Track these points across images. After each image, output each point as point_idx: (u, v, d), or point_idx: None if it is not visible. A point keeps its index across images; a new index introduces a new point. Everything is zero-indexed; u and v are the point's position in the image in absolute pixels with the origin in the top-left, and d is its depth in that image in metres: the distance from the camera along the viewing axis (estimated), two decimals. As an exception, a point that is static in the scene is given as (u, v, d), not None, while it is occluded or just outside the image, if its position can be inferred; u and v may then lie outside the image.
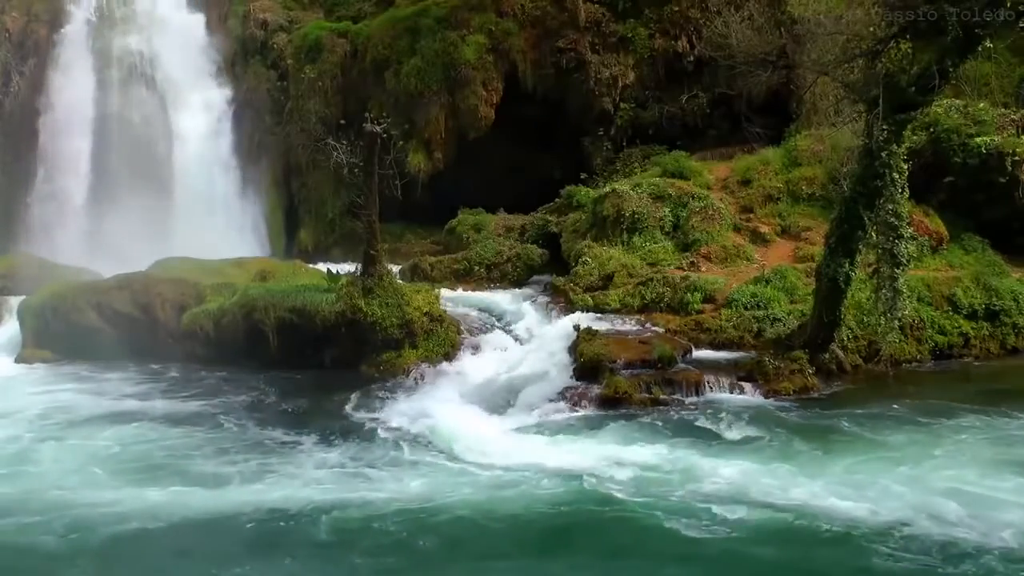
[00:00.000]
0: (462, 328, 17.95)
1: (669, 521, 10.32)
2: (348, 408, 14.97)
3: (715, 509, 10.56)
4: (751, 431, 13.27)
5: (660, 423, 13.79)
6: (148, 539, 10.18)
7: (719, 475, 11.56)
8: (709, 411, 14.13)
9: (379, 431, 13.74)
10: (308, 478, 11.82)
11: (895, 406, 14.15)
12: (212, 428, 14.08)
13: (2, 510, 10.83)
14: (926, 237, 18.84)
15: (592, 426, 13.72)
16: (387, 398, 15.26)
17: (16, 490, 11.52)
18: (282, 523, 10.46)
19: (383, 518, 10.52)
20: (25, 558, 9.81)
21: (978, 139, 19.52)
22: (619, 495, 11.09)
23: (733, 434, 13.21)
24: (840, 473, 11.53)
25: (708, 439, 13.04)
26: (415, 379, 16.31)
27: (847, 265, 14.94)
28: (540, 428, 13.78)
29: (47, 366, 18.29)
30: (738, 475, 11.54)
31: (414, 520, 10.47)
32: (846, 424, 13.44)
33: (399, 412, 14.54)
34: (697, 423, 13.72)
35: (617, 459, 12.15)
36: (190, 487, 11.54)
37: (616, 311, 17.99)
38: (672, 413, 14.23)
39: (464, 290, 20.99)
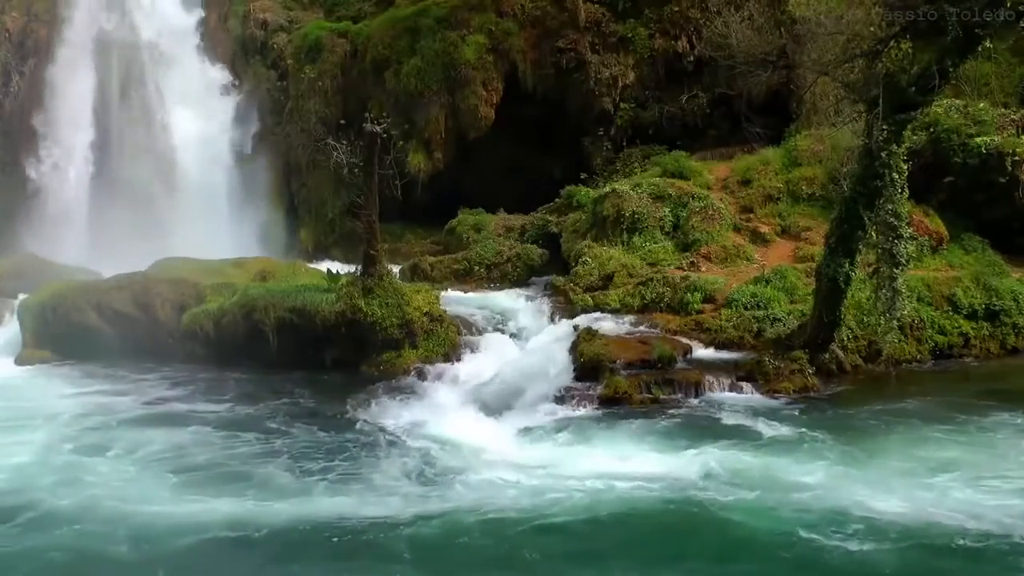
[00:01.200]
0: (462, 328, 17.95)
1: (759, 524, 10.09)
2: (361, 413, 14.84)
3: (798, 511, 10.34)
4: (780, 430, 13.18)
5: (665, 423, 13.73)
6: (215, 549, 9.98)
7: (778, 477, 11.42)
8: (735, 411, 14.08)
9: (391, 436, 13.60)
10: (355, 489, 11.52)
11: (903, 404, 14.19)
12: (229, 433, 13.85)
13: (67, 520, 10.58)
14: (926, 237, 18.84)
15: (599, 427, 13.62)
16: (389, 400, 15.21)
17: (78, 499, 11.20)
18: (360, 535, 10.16)
19: (451, 528, 10.25)
20: (97, 570, 9.66)
21: (978, 139, 19.52)
22: (685, 496, 10.90)
23: (767, 432, 13.12)
24: (898, 473, 11.49)
25: (744, 439, 12.89)
26: (415, 380, 16.31)
27: (847, 265, 14.94)
28: (545, 429, 13.71)
29: (59, 367, 18.15)
30: (803, 476, 11.40)
31: (480, 530, 10.22)
32: (873, 422, 13.40)
33: (404, 415, 14.50)
34: (722, 423, 13.64)
35: (652, 461, 12.06)
36: (248, 495, 11.31)
37: (616, 311, 17.98)
38: (678, 413, 14.17)
39: (464, 290, 20.98)
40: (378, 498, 11.16)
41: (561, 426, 13.81)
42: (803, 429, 13.20)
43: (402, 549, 9.86)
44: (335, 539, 10.12)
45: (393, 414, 14.56)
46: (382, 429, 13.90)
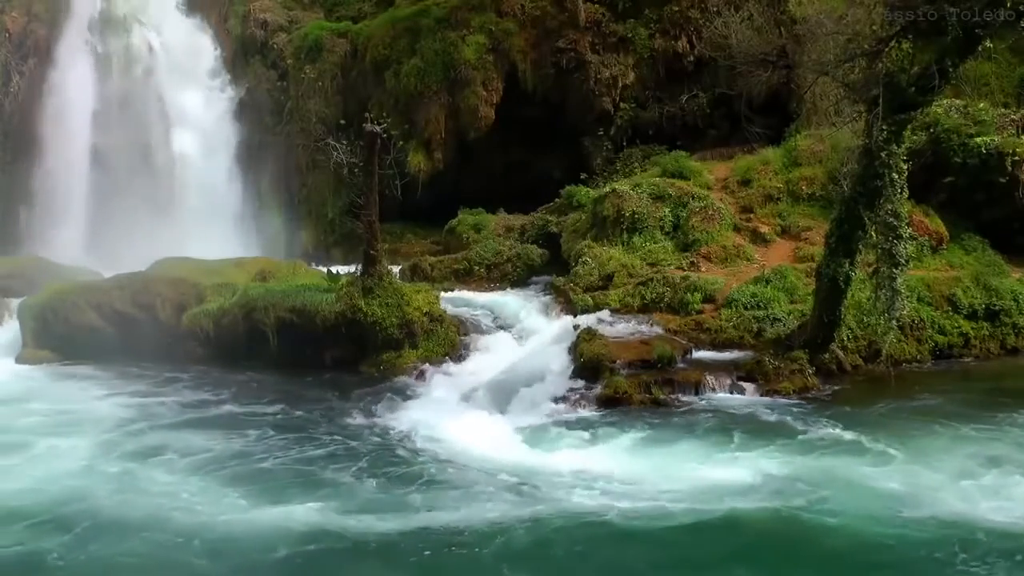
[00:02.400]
0: (462, 328, 17.96)
1: (856, 530, 9.79)
2: (363, 414, 14.76)
3: (888, 516, 10.07)
4: (813, 431, 13.03)
5: (684, 423, 13.67)
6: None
7: (842, 479, 11.25)
8: (746, 411, 13.99)
9: (397, 438, 13.47)
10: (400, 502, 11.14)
11: (916, 403, 14.17)
12: (241, 436, 13.69)
13: (134, 529, 10.26)
14: (926, 237, 18.84)
15: (610, 427, 13.51)
16: (389, 400, 15.18)
17: (142, 508, 10.88)
18: (394, 544, 9.86)
19: (509, 536, 9.87)
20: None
21: (978, 139, 19.51)
22: (760, 503, 10.55)
23: (801, 433, 13.01)
24: (959, 473, 11.40)
25: (780, 439, 12.73)
26: (415, 380, 16.31)
27: (847, 265, 14.94)
28: (549, 430, 13.63)
29: (66, 367, 18.06)
30: (869, 479, 11.24)
31: (534, 536, 9.95)
32: (897, 421, 13.33)
33: (405, 415, 14.43)
34: (745, 424, 13.48)
35: (702, 466, 11.85)
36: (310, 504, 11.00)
37: (616, 311, 17.97)
38: (690, 413, 14.14)
39: (464, 290, 20.99)
40: (404, 506, 10.91)
41: (569, 426, 13.75)
42: (834, 429, 13.05)
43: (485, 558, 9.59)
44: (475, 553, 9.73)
45: (395, 415, 14.53)
46: (386, 430, 13.83)
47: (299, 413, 14.89)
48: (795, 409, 14.12)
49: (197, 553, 9.73)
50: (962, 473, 11.33)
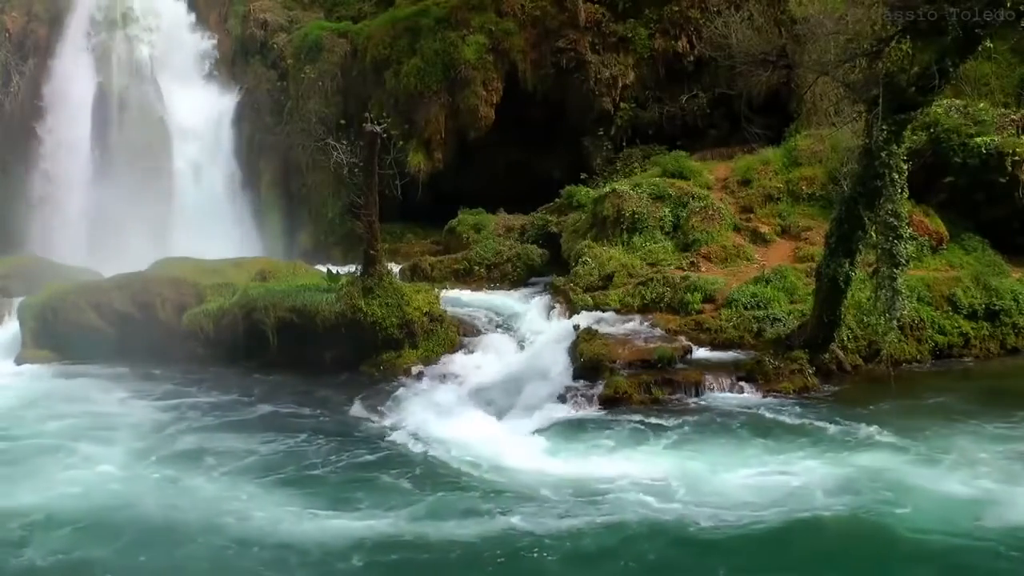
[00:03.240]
0: (462, 328, 17.96)
1: (932, 534, 9.70)
2: (365, 415, 14.81)
3: (964, 523, 9.98)
4: (848, 431, 12.98)
5: (699, 424, 13.65)
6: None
7: (897, 481, 11.20)
8: (758, 411, 14.01)
9: (403, 440, 13.48)
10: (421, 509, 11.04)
11: (927, 401, 14.22)
12: (268, 439, 13.67)
13: (188, 537, 10.14)
14: (926, 237, 18.83)
15: (625, 430, 13.45)
16: (391, 401, 15.21)
17: (192, 514, 10.71)
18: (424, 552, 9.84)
19: (576, 545, 9.85)
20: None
21: (978, 139, 19.50)
22: (823, 508, 10.46)
23: (832, 434, 12.96)
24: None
25: (813, 440, 12.71)
26: (416, 380, 16.31)
27: (847, 265, 14.94)
28: (551, 431, 13.61)
29: (72, 368, 18.04)
30: (926, 481, 11.17)
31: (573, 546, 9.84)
32: (913, 420, 13.32)
33: (407, 416, 14.46)
34: (766, 424, 13.45)
35: (744, 470, 11.77)
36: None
37: (616, 311, 17.96)
38: (686, 413, 14.14)
39: (464, 290, 20.99)
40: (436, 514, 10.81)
41: (579, 427, 13.75)
42: (860, 428, 13.01)
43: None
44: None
45: (396, 415, 14.56)
46: (396, 432, 13.83)
47: (307, 411, 14.93)
48: (804, 409, 14.11)
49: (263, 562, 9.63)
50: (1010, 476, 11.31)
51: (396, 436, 13.65)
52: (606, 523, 10.33)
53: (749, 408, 14.25)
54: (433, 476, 11.93)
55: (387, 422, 14.33)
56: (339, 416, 14.79)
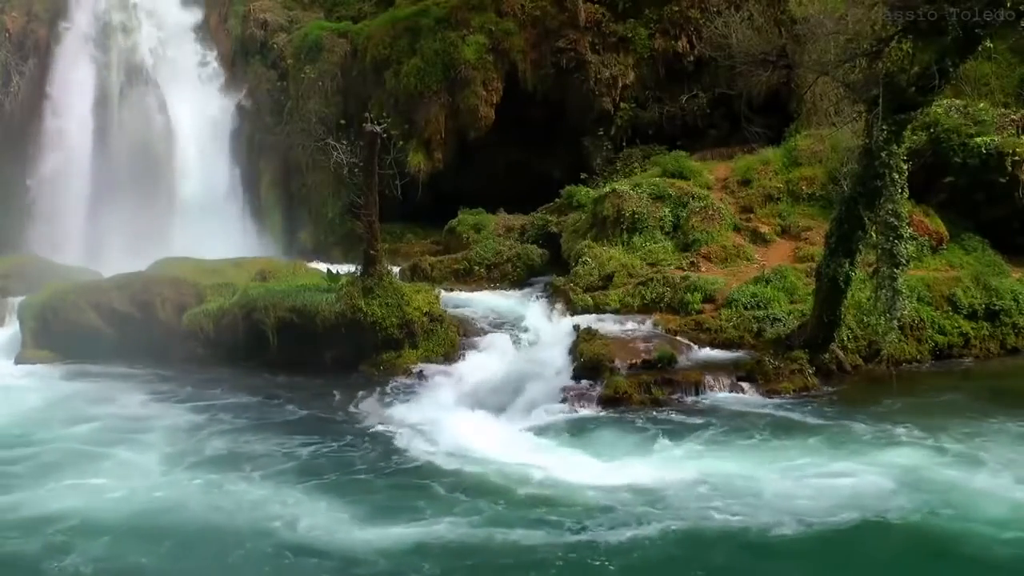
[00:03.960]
0: (462, 328, 17.96)
1: (968, 532, 9.65)
2: (367, 415, 14.76)
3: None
4: (883, 433, 12.94)
5: (700, 425, 13.64)
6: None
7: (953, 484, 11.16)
8: (761, 412, 14.00)
9: (409, 441, 13.42)
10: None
11: (936, 400, 14.25)
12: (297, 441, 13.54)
13: (238, 544, 9.96)
14: (926, 237, 18.83)
15: (644, 433, 13.39)
16: (392, 401, 15.21)
17: (238, 521, 10.55)
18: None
19: (635, 553, 9.65)
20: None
21: (978, 139, 19.51)
22: (887, 513, 10.30)
23: (863, 434, 12.96)
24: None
25: (816, 440, 12.66)
26: (416, 380, 16.30)
27: (847, 265, 14.94)
28: (553, 432, 13.58)
29: (79, 369, 17.96)
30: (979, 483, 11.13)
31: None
32: (930, 420, 13.35)
33: (408, 416, 14.44)
34: (788, 425, 13.39)
35: (797, 475, 11.61)
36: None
37: (616, 311, 17.97)
38: (691, 413, 14.14)
39: (464, 290, 20.98)
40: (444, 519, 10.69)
41: (576, 427, 13.71)
42: (892, 428, 13.01)
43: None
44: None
45: (398, 415, 14.53)
46: (395, 432, 13.80)
47: (320, 414, 14.90)
48: (816, 408, 14.14)
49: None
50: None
51: (400, 436, 13.59)
52: (663, 530, 10.03)
53: (757, 408, 14.24)
54: (469, 485, 11.65)
55: (388, 423, 14.30)
56: (343, 417, 14.75)
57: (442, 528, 10.30)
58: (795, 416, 13.82)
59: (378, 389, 15.83)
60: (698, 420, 13.77)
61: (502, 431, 13.62)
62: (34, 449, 13.17)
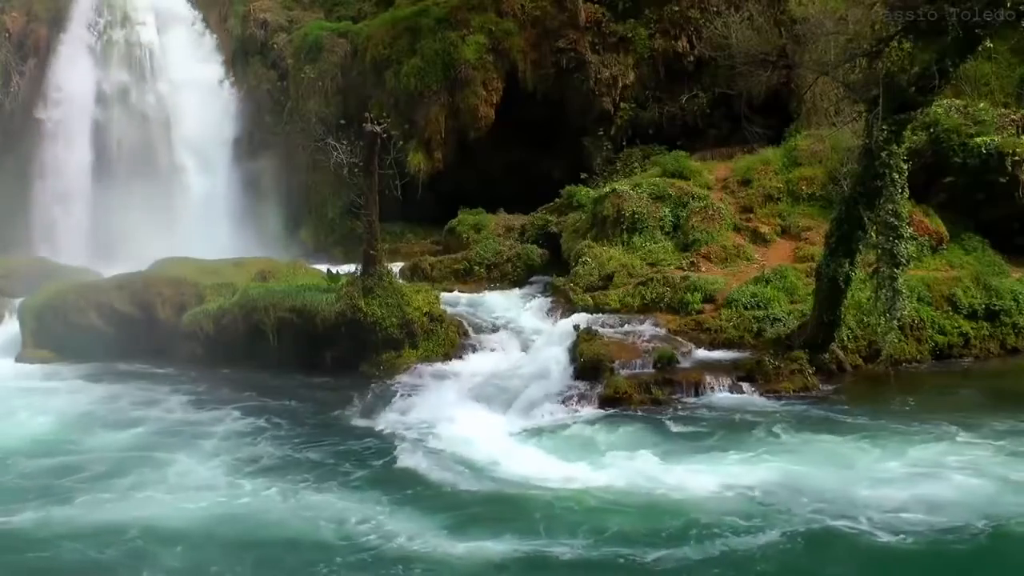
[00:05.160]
0: (462, 328, 17.95)
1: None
2: (369, 415, 14.75)
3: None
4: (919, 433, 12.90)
5: (697, 424, 13.65)
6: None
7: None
8: (780, 412, 13.97)
9: (413, 442, 13.37)
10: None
11: (944, 399, 14.28)
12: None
13: (328, 555, 9.76)
14: (926, 237, 18.82)
15: (666, 435, 13.34)
16: (393, 401, 15.18)
17: (302, 530, 10.36)
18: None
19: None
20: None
21: (978, 139, 19.50)
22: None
23: (865, 431, 12.94)
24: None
25: (848, 441, 12.58)
26: (416, 380, 16.29)
27: (847, 265, 14.94)
28: (556, 433, 13.55)
29: (84, 370, 17.91)
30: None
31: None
32: (952, 417, 13.38)
33: (414, 419, 14.42)
34: (809, 425, 13.31)
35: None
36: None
37: (616, 311, 17.96)
38: (685, 412, 14.15)
39: (464, 290, 20.97)
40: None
41: (576, 427, 13.68)
42: (940, 427, 12.98)
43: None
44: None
45: (400, 416, 14.52)
46: (400, 433, 13.79)
47: (333, 415, 14.85)
48: (839, 407, 14.15)
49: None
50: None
51: (405, 438, 13.54)
52: (769, 540, 9.78)
53: (763, 408, 14.24)
54: (496, 495, 11.41)
55: (390, 423, 14.28)
56: (346, 418, 14.75)
57: (548, 545, 9.94)
58: (837, 415, 13.79)
59: (376, 389, 15.81)
60: (716, 420, 13.70)
61: (505, 432, 13.59)
62: (82, 456, 12.99)
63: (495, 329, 18.30)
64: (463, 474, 12.01)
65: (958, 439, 12.57)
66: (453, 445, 13.00)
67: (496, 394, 15.07)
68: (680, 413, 14.20)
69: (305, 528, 10.45)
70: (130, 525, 10.50)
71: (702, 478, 11.45)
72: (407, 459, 12.63)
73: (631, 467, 11.95)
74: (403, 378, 16.40)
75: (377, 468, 12.40)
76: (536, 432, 13.59)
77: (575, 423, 13.94)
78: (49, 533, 10.43)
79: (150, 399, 15.88)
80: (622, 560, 9.53)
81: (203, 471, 12.32)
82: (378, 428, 14.09)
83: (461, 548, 9.84)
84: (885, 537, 9.78)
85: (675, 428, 13.55)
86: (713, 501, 10.84)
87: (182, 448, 13.22)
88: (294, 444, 13.39)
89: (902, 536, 9.77)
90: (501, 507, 10.89)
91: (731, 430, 13.32)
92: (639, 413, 14.23)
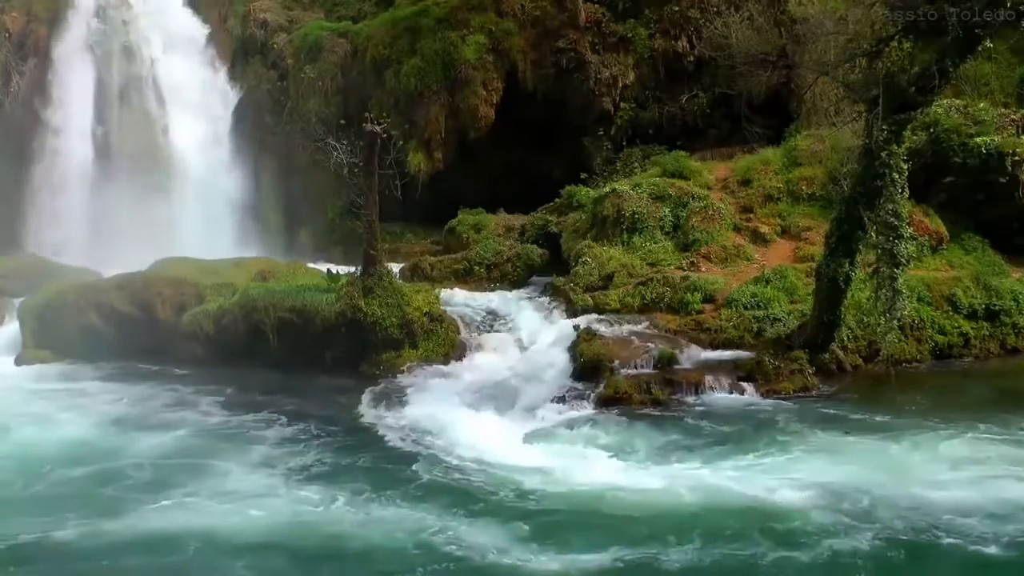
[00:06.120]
0: (462, 328, 17.95)
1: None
2: (371, 415, 14.75)
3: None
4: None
5: (687, 424, 13.66)
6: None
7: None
8: (782, 411, 14.01)
9: (416, 442, 13.39)
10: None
11: (952, 398, 14.37)
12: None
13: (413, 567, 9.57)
14: (926, 237, 18.82)
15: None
16: (390, 401, 15.19)
17: (377, 540, 10.14)
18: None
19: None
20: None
21: (978, 139, 19.50)
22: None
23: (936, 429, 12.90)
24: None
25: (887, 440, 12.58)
26: (416, 379, 16.30)
27: (847, 265, 14.94)
28: (558, 433, 13.54)
29: (89, 371, 17.86)
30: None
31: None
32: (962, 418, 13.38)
33: (411, 416, 14.46)
34: (827, 425, 13.30)
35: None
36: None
37: (616, 311, 17.96)
38: (680, 413, 14.15)
39: (464, 290, 20.97)
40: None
41: (577, 427, 13.68)
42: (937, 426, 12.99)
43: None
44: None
45: (402, 416, 14.54)
46: (402, 432, 13.82)
47: (343, 417, 14.77)
48: (837, 408, 14.15)
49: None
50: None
51: (410, 439, 13.52)
52: (863, 547, 9.51)
53: (765, 407, 14.24)
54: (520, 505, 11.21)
55: (395, 423, 14.28)
56: (357, 418, 14.76)
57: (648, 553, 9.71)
58: (817, 414, 13.83)
59: (377, 389, 15.83)
60: (743, 421, 13.66)
61: (508, 432, 13.58)
62: (123, 462, 12.81)
63: (495, 329, 18.31)
64: (504, 479, 11.76)
65: (984, 436, 12.58)
66: (471, 450, 12.78)
67: (496, 394, 15.08)
68: (702, 410, 14.18)
69: (379, 538, 10.18)
70: (186, 534, 10.28)
71: (758, 481, 11.34)
72: (432, 465, 12.39)
73: (678, 470, 11.80)
74: (403, 378, 16.42)
75: (417, 474, 12.10)
76: (541, 433, 13.54)
77: (576, 423, 13.91)
78: (97, 543, 10.20)
79: (178, 400, 15.77)
80: (737, 564, 9.32)
81: (255, 478, 12.09)
82: (385, 429, 14.01)
83: (556, 564, 9.52)
84: (990, 548, 9.40)
85: (701, 428, 13.49)
86: (778, 504, 10.65)
87: (217, 453, 13.04)
88: (330, 448, 13.17)
89: (1003, 544, 9.37)
90: (569, 516, 10.61)
91: (757, 430, 13.31)
92: (654, 412, 14.19)
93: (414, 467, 12.36)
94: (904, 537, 9.77)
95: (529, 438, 13.37)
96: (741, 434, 13.16)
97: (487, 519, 10.58)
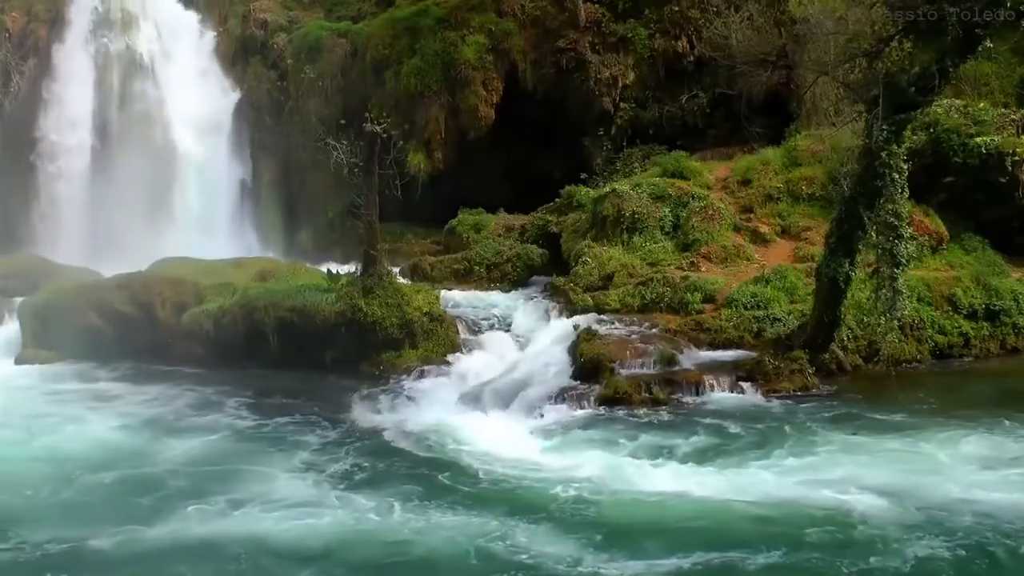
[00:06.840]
0: (462, 328, 17.96)
1: None
2: (372, 415, 14.71)
3: None
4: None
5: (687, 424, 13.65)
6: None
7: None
8: (809, 409, 13.98)
9: (416, 442, 13.37)
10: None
11: (957, 396, 14.38)
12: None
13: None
14: (926, 237, 18.83)
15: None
16: (393, 401, 15.18)
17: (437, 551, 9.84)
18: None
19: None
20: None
21: (978, 139, 19.50)
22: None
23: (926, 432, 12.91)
24: None
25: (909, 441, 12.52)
26: (416, 379, 16.30)
27: (847, 265, 14.95)
28: (555, 432, 13.55)
29: (92, 371, 17.78)
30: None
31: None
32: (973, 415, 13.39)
33: (413, 419, 14.43)
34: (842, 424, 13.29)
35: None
36: None
37: (616, 311, 17.97)
38: (681, 413, 14.15)
39: (464, 290, 20.98)
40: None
41: (574, 427, 13.67)
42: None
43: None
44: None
45: (415, 418, 14.50)
46: (403, 433, 13.79)
47: (351, 418, 14.69)
48: (845, 407, 14.12)
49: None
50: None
51: (412, 439, 13.51)
52: (926, 552, 9.36)
53: (766, 407, 14.25)
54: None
55: (396, 422, 14.27)
56: (356, 418, 14.71)
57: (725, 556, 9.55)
58: (828, 414, 13.80)
59: (377, 389, 15.81)
60: (754, 422, 13.60)
61: (523, 435, 13.56)
62: (156, 467, 12.53)
63: (495, 329, 18.31)
64: (541, 484, 11.58)
65: (1000, 435, 12.56)
66: (500, 455, 12.67)
67: (496, 394, 15.07)
68: (704, 410, 14.18)
69: (442, 546, 9.96)
70: (235, 542, 10.01)
71: (788, 482, 11.27)
72: (462, 471, 12.19)
73: (732, 475, 11.69)
74: (403, 378, 16.39)
75: (456, 480, 11.86)
76: (543, 433, 13.51)
77: (576, 423, 13.92)
78: (136, 551, 9.92)
79: (202, 402, 15.57)
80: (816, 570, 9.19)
81: (299, 484, 11.80)
82: (399, 434, 13.89)
83: (630, 570, 9.29)
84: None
85: (710, 429, 13.42)
86: (818, 507, 10.52)
87: (247, 457, 12.83)
88: (363, 453, 12.97)
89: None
90: (627, 523, 10.40)
91: (766, 429, 13.28)
92: (656, 413, 14.16)
93: (447, 473, 12.04)
94: (973, 541, 9.58)
95: (543, 441, 13.25)
96: (753, 434, 13.12)
97: (548, 526, 10.29)
